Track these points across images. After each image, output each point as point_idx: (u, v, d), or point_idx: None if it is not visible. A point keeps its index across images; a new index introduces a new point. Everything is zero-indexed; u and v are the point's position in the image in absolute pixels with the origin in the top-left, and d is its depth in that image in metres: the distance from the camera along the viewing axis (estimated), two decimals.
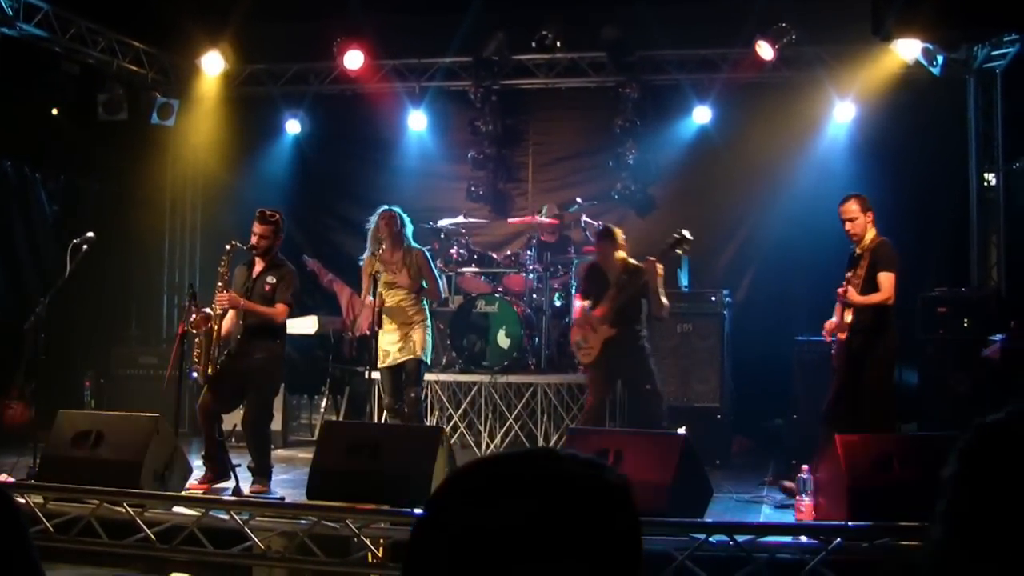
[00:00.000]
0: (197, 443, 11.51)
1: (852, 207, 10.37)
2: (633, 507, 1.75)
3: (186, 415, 10.88)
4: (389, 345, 11.43)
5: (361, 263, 11.72)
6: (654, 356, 11.76)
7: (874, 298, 10.13)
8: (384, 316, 11.39)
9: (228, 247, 10.68)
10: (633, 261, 11.76)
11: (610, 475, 1.77)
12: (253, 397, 10.67)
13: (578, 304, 12.01)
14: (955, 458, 1.76)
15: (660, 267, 11.26)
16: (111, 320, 15.80)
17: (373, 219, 11.63)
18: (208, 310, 10.52)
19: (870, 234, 10.34)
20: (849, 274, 10.22)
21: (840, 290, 10.16)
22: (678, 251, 11.55)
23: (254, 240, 10.64)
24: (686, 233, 11.34)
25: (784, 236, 14.36)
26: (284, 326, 10.82)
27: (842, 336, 10.29)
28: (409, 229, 11.67)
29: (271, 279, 10.66)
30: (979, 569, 1.66)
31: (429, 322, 11.60)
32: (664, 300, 11.38)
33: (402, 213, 11.65)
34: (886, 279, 10.17)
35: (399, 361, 11.41)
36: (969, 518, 1.69)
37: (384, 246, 11.43)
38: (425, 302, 11.63)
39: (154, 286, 17.00)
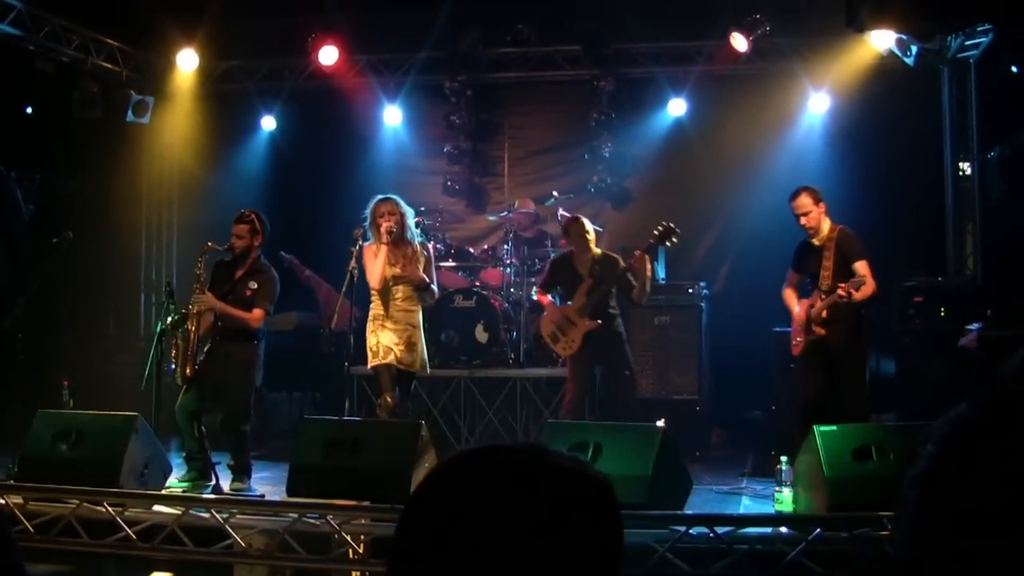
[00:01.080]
0: (176, 441, 11.49)
1: (805, 201, 10.34)
2: (615, 502, 1.77)
3: (165, 413, 10.83)
4: (392, 344, 10.75)
5: (353, 249, 10.86)
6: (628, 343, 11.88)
7: (867, 291, 10.08)
8: (385, 313, 10.82)
9: (205, 248, 10.71)
10: (603, 251, 11.83)
11: (594, 470, 1.79)
12: (230, 397, 10.66)
13: (547, 300, 12.02)
14: (924, 453, 1.77)
15: (648, 259, 11.32)
16: (89, 319, 15.71)
17: (371, 207, 10.86)
18: (185, 310, 10.55)
19: (826, 224, 10.38)
20: (834, 278, 10.12)
21: (841, 292, 9.87)
22: (667, 244, 11.58)
23: (232, 240, 10.68)
24: (672, 225, 11.38)
25: (760, 227, 14.37)
26: (263, 328, 10.82)
27: (820, 331, 10.23)
28: (411, 219, 11.07)
29: (252, 284, 10.68)
30: (947, 567, 1.68)
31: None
32: (648, 289, 11.46)
33: (402, 202, 10.96)
34: (865, 268, 10.13)
35: (405, 367, 10.84)
36: (937, 515, 1.70)
37: (387, 237, 10.68)
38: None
39: (131, 284, 16.93)
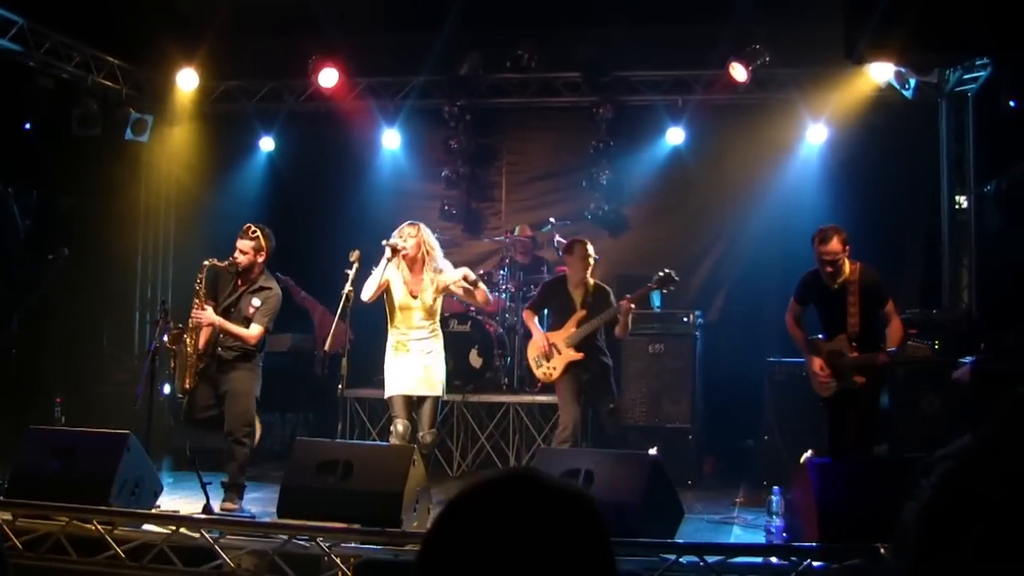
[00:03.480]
0: (168, 460, 11.47)
1: (837, 248, 9.87)
2: (601, 518, 1.78)
3: (157, 432, 10.81)
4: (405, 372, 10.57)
5: (350, 271, 10.45)
6: (614, 374, 11.89)
7: (902, 337, 10.08)
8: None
9: (205, 264, 10.66)
10: (599, 283, 11.77)
11: (583, 491, 1.81)
12: (232, 407, 10.56)
13: (534, 323, 11.96)
14: (926, 486, 1.77)
15: (633, 307, 11.26)
16: (84, 336, 15.69)
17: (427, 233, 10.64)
18: (183, 325, 10.53)
19: (847, 266, 10.02)
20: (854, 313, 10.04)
21: (884, 359, 9.81)
22: (664, 291, 11.60)
23: (236, 255, 10.61)
24: (672, 273, 11.36)
25: (756, 257, 14.44)
26: (263, 343, 10.79)
27: (861, 380, 9.93)
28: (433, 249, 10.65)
29: (255, 302, 10.62)
30: None
31: None
32: (629, 328, 11.44)
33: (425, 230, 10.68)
34: (892, 308, 10.06)
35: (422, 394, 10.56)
36: (940, 548, 1.70)
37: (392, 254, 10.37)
38: None
39: (127, 302, 16.88)
